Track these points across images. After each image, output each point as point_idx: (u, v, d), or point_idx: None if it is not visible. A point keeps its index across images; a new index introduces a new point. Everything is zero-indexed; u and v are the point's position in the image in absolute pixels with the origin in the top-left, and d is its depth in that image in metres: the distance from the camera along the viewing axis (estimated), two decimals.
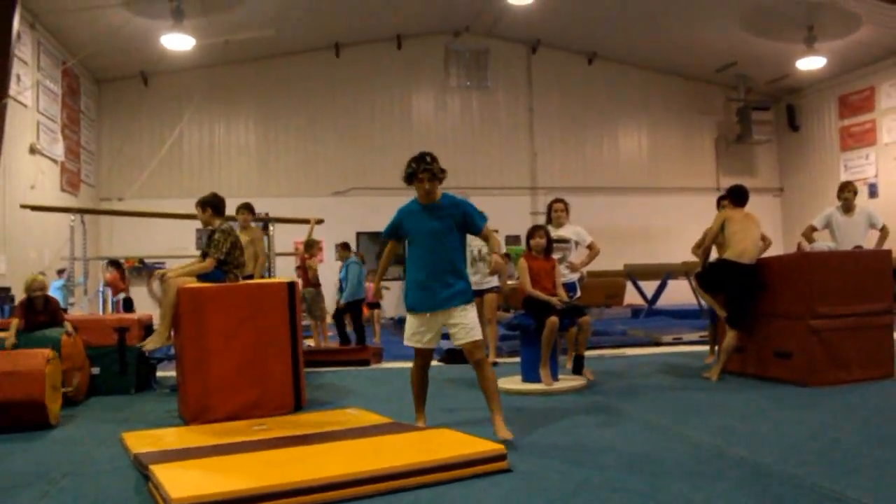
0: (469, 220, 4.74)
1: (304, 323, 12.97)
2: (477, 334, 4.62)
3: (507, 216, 14.12)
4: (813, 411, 5.44)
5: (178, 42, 14.17)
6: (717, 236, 7.09)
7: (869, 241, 8.45)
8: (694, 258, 7.89)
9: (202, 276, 6.09)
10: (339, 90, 18.23)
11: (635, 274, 14.15)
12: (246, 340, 5.70)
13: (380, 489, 3.59)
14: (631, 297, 14.98)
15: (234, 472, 3.75)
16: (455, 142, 18.67)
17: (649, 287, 14.56)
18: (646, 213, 17.89)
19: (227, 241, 6.26)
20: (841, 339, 6.46)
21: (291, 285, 6.05)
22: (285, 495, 3.37)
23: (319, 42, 17.80)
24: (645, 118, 19.63)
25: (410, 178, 4.77)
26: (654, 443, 4.60)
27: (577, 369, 6.99)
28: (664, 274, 12.73)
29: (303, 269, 11.43)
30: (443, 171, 4.74)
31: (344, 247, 11.25)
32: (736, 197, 7.33)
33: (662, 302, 14.52)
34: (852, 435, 4.65)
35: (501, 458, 4.02)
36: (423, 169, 4.70)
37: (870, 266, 6.85)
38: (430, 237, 4.70)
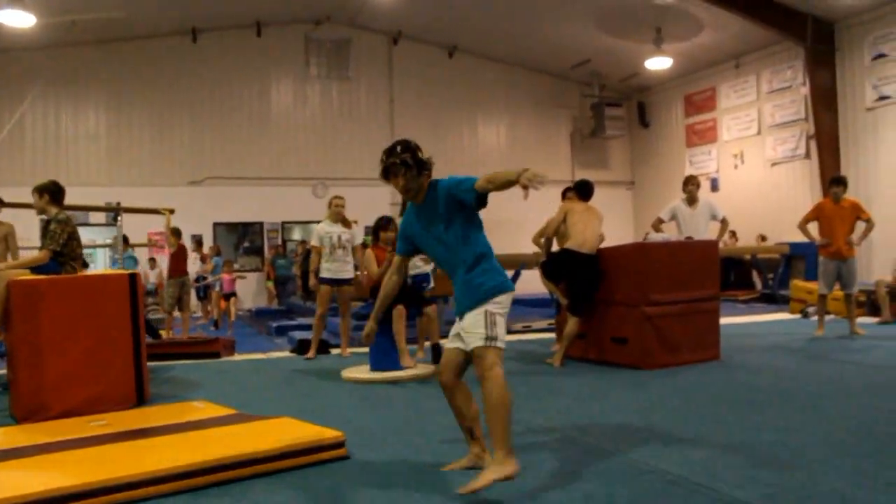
0: (459, 197, 3.58)
1: (160, 316, 12.68)
2: (476, 340, 3.48)
3: (368, 207, 14.12)
4: (643, 392, 5.77)
5: (17, 18, 13.29)
6: (559, 227, 7.35)
7: (711, 232, 9.00)
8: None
9: (36, 269, 5.85)
10: (196, 77, 17.69)
11: None
12: (84, 334, 5.50)
13: (212, 480, 3.59)
14: None
15: (56, 471, 3.64)
16: (315, 132, 18.53)
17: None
18: (503, 204, 18.11)
19: (64, 231, 6.05)
20: (672, 325, 6.86)
21: (132, 277, 5.88)
22: (109, 491, 3.31)
23: (175, 26, 17.22)
24: (504, 111, 20.07)
25: (384, 174, 3.81)
26: None
27: (437, 358, 7.11)
28: (518, 264, 13.05)
29: (175, 259, 11.11)
30: (417, 159, 3.72)
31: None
32: (581, 190, 7.64)
33: (517, 291, 14.91)
34: (673, 413, 4.98)
35: (340, 445, 4.08)
36: (386, 163, 3.76)
37: (699, 256, 7.30)
38: (436, 243, 3.74)
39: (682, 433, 4.40)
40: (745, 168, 17.74)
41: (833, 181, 9.42)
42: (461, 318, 3.64)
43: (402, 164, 3.69)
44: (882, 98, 14.74)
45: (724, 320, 10.75)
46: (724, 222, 9.00)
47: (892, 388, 5.77)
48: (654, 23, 16.26)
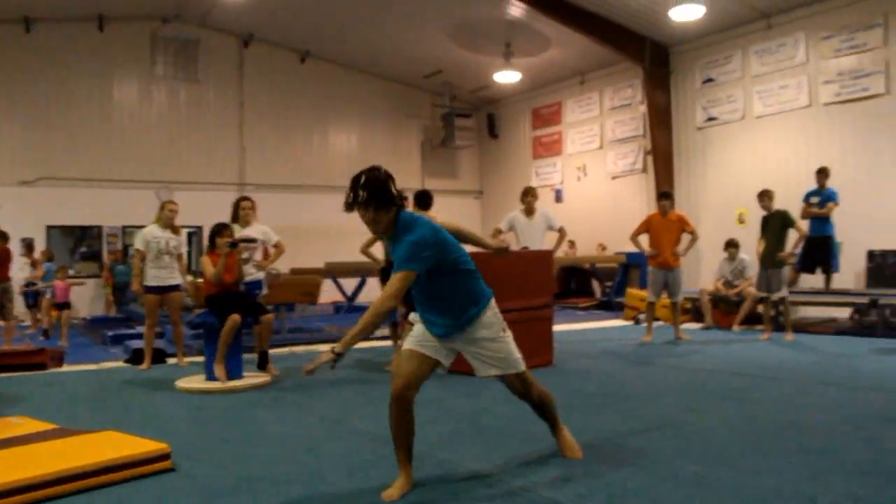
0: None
1: None
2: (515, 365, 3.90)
3: (214, 212, 13.73)
4: (476, 399, 5.94)
5: None
6: None
7: (548, 242, 9.34)
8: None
9: None
10: (29, 70, 16.65)
11: (336, 271, 14.44)
12: None
13: (27, 500, 3.44)
14: (335, 294, 15.33)
15: None
16: (160, 134, 17.89)
17: (353, 284, 15.01)
18: (335, 215, 18.11)
19: None
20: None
21: None
22: None
23: (5, 14, 16.15)
24: (356, 119, 20.07)
25: (345, 207, 3.61)
26: (324, 435, 4.81)
27: (262, 364, 7.08)
28: (364, 271, 13.15)
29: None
30: (377, 197, 3.51)
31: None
32: (420, 201, 7.77)
33: (364, 298, 14.99)
34: (500, 419, 5.16)
35: (165, 457, 4.01)
36: (347, 199, 3.56)
37: (535, 265, 7.59)
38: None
39: (508, 437, 4.58)
40: (588, 180, 18.51)
41: (661, 195, 10.02)
42: (446, 338, 3.72)
43: (361, 202, 3.51)
44: (710, 119, 15.75)
45: (562, 327, 11.24)
46: (561, 232, 9.38)
47: (702, 388, 6.21)
48: (504, 38, 16.74)
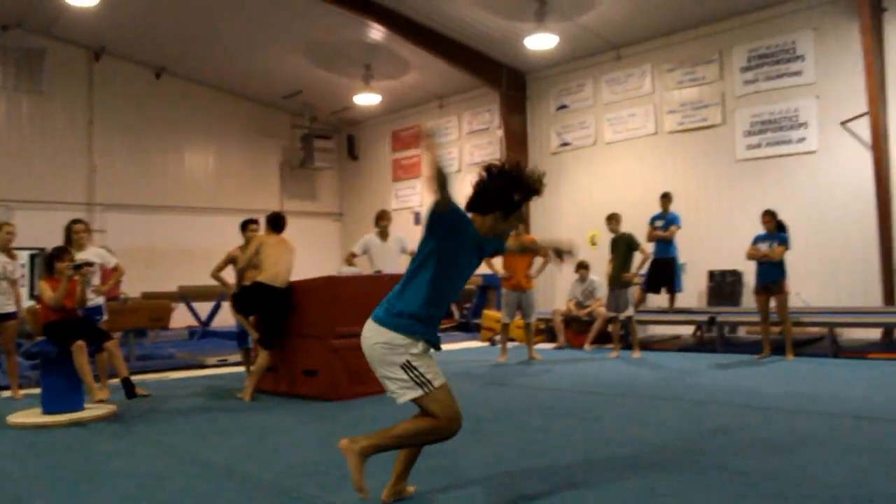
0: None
1: None
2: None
3: (60, 233, 13.06)
4: (329, 424, 5.84)
5: None
6: (252, 260, 7.27)
7: (402, 265, 9.31)
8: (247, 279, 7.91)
9: None
10: None
11: (189, 295, 13.98)
12: None
13: None
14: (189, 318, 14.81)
15: None
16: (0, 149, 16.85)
17: (208, 308, 14.53)
18: (210, 233, 17.69)
19: None
20: (359, 356, 6.97)
21: None
22: None
23: None
24: (213, 138, 19.49)
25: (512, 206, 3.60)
26: (166, 466, 4.59)
27: (130, 393, 6.67)
28: (219, 295, 12.75)
29: None
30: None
31: None
32: (273, 224, 7.61)
33: (219, 323, 14.55)
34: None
35: None
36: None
37: (387, 288, 7.52)
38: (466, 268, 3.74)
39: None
40: None
41: None
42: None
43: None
44: (564, 144, 16.27)
45: None
46: (413, 255, 9.41)
47: (552, 408, 6.32)
48: (364, 60, 16.74)
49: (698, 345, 10.92)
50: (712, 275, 13.41)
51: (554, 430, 5.42)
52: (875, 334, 10.72)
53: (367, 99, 17.48)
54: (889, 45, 12.13)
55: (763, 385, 7.27)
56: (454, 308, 17.01)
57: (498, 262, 10.06)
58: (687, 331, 11.87)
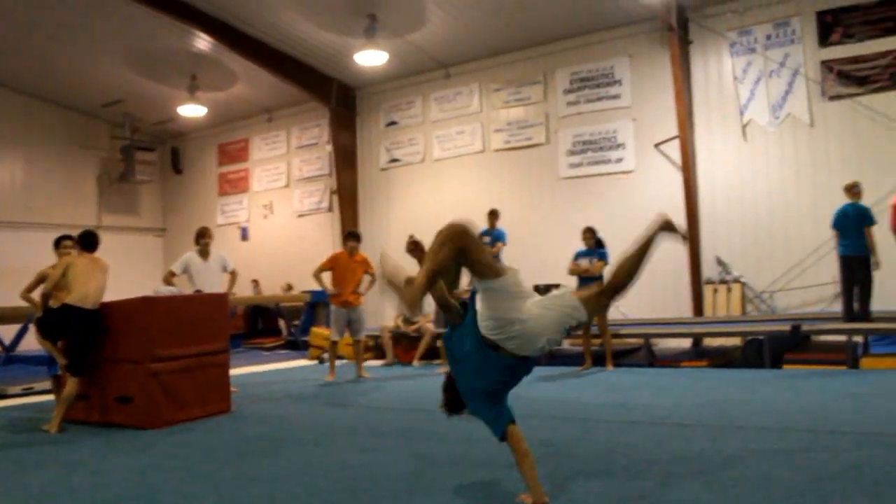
0: None
1: None
2: None
3: None
4: (147, 453, 5.54)
5: None
6: (59, 281, 6.80)
7: (223, 285, 9.04)
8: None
9: None
10: None
11: None
12: None
13: None
14: None
15: None
16: None
17: (12, 331, 13.45)
18: (20, 249, 16.43)
19: None
20: (180, 380, 6.72)
21: None
22: None
23: None
24: (22, 148, 18.13)
25: None
26: None
27: None
28: (27, 317, 11.83)
29: None
30: None
31: None
32: (84, 242, 7.17)
33: (26, 346, 13.52)
34: (172, 473, 4.84)
35: None
36: None
37: (209, 309, 7.29)
38: None
39: (176, 495, 4.29)
40: (275, 218, 18.36)
41: (349, 235, 10.16)
42: None
43: None
44: (393, 160, 16.36)
45: (246, 369, 10.98)
46: (233, 274, 9.17)
47: (378, 427, 6.27)
48: (189, 70, 16.15)
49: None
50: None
51: (380, 449, 5.38)
52: (686, 343, 11.43)
53: (192, 110, 16.87)
54: (695, 76, 13.03)
55: (585, 396, 7.56)
56: (282, 325, 16.72)
57: (327, 277, 9.94)
58: None
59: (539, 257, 13.58)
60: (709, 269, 12.94)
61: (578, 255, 9.86)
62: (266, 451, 5.44)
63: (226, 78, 16.55)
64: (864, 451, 4.69)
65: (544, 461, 4.77)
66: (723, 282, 12.75)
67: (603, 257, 9.58)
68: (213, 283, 8.80)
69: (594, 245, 9.75)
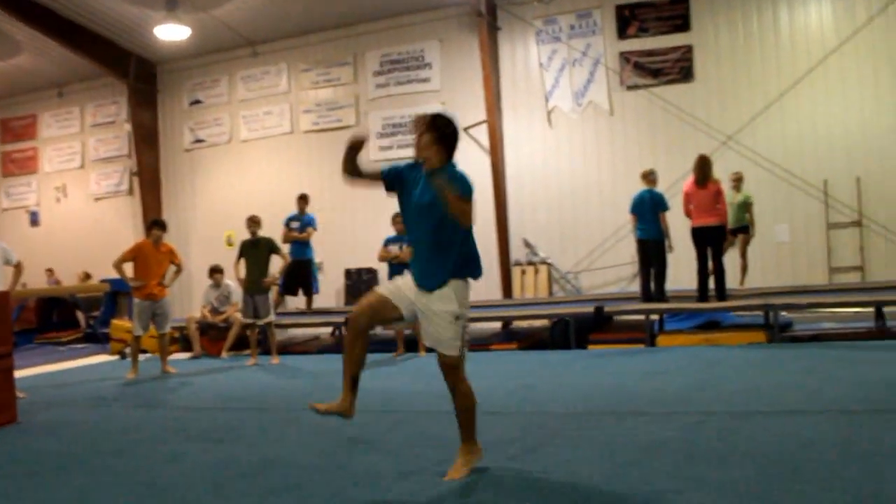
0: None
1: None
2: (451, 349, 4.08)
3: None
4: None
5: None
6: None
7: (5, 279, 8.23)
8: None
9: None
10: None
11: None
12: None
13: None
14: None
15: None
16: None
17: None
18: None
19: None
20: None
21: None
22: None
23: None
24: None
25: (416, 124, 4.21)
26: None
27: None
28: None
29: None
30: (443, 133, 4.12)
31: None
32: None
33: None
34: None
35: None
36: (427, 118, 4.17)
37: None
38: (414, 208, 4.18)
39: None
40: (69, 202, 17.12)
41: (153, 224, 9.55)
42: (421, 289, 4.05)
43: (431, 126, 4.08)
44: (198, 141, 15.66)
45: (37, 370, 10.19)
46: (18, 267, 8.37)
47: (186, 430, 5.90)
48: None
49: (336, 346, 11.06)
50: (349, 273, 13.73)
51: (188, 456, 5.05)
52: (497, 326, 11.68)
53: None
54: (503, 62, 13.29)
55: (397, 384, 7.52)
56: (80, 317, 15.64)
57: (129, 268, 9.32)
58: (326, 331, 11.99)
59: (351, 241, 13.49)
60: (516, 251, 13.32)
61: (388, 242, 9.79)
62: (57, 467, 4.97)
63: (7, 47, 15.17)
64: (665, 431, 4.92)
65: (357, 457, 4.66)
66: (530, 263, 13.17)
67: None
68: None
69: (404, 231, 9.67)
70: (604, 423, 5.33)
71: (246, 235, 10.02)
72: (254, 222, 9.82)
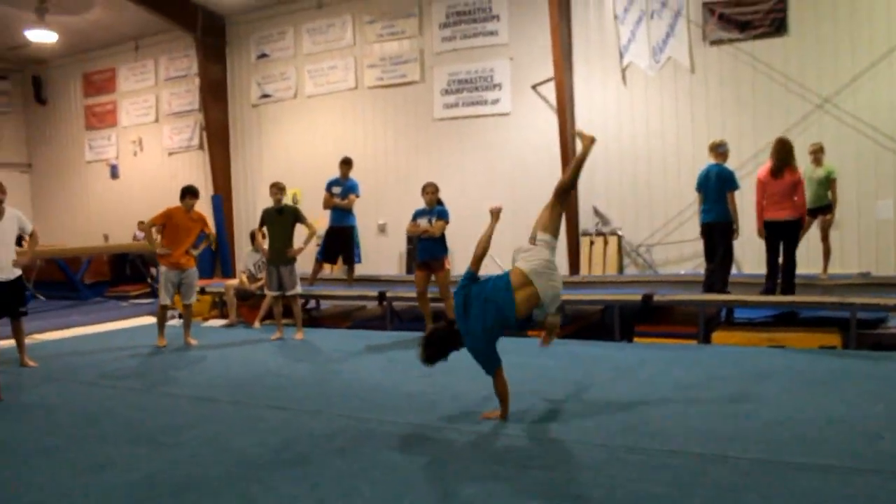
0: None
1: None
2: None
3: None
4: None
5: None
6: None
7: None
8: None
9: None
10: None
11: None
12: None
13: None
14: None
15: None
16: None
17: None
18: None
19: None
20: None
21: None
22: None
23: None
24: None
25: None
26: None
27: None
28: None
29: None
30: None
31: None
32: None
33: None
34: None
35: None
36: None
37: None
38: None
39: None
40: (144, 156, 17.16)
41: (187, 191, 9.20)
42: None
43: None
44: (264, 96, 15.28)
45: (69, 332, 10.06)
46: (33, 236, 8.11)
47: (146, 425, 5.45)
48: None
49: (379, 318, 10.51)
50: (410, 238, 13.08)
51: (118, 463, 4.56)
52: None
53: (40, 36, 15.37)
54: (575, 13, 12.19)
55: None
56: (152, 272, 15.65)
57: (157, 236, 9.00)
58: (371, 303, 11.36)
59: (416, 205, 12.77)
60: (585, 220, 12.38)
61: (417, 215, 8.89)
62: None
63: (79, 1, 15.06)
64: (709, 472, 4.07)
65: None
66: (599, 234, 12.19)
67: (443, 216, 8.67)
68: (7, 245, 7.75)
69: (436, 203, 8.83)
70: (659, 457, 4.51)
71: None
72: (278, 189, 9.24)
